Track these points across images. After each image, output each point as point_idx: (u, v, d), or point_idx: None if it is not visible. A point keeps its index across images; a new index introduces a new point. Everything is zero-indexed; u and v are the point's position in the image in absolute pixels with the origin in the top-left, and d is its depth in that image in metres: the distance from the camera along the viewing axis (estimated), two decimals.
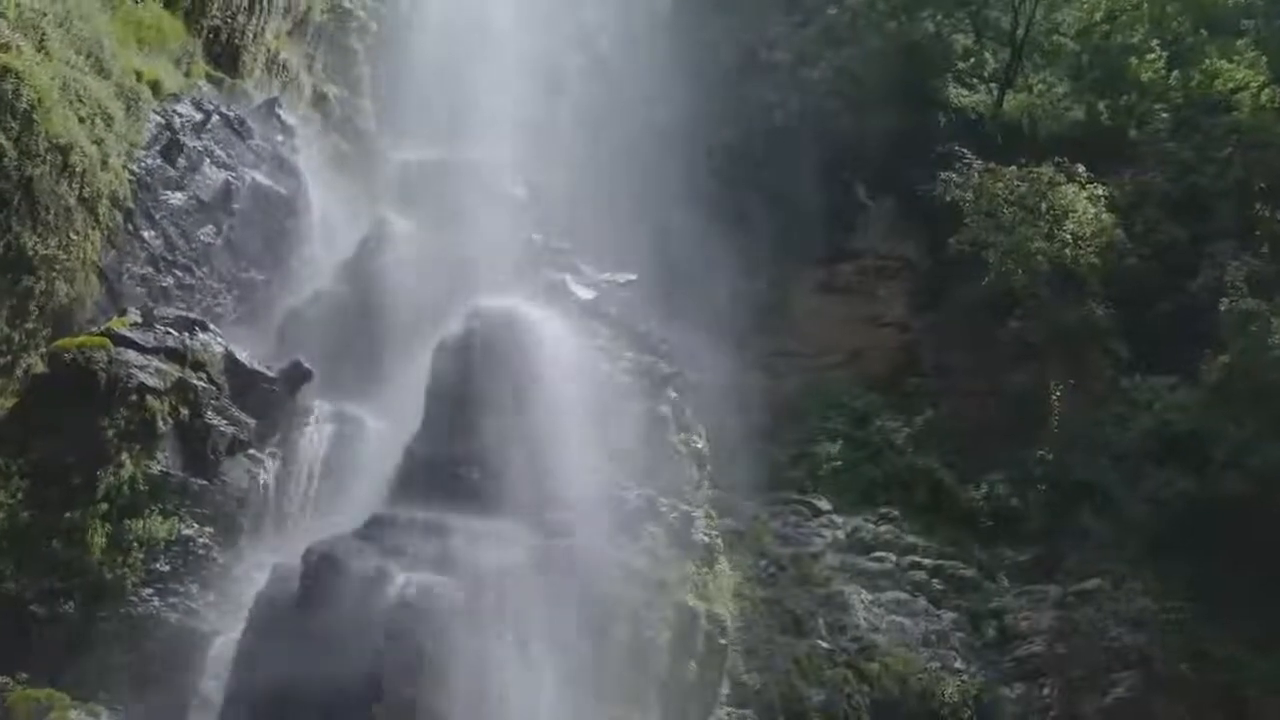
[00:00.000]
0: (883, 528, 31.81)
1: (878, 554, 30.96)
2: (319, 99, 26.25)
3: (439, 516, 17.30)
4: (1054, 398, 32.73)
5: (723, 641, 21.18)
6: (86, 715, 16.23)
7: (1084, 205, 32.59)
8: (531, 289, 21.12)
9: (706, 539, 21.62)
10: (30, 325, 18.49)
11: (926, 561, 30.82)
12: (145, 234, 20.72)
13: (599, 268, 24.89)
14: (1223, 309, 29.59)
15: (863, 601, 29.13)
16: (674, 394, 22.65)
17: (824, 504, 32.59)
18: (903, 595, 29.83)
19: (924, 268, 36.82)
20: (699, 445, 23.29)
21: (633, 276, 23.68)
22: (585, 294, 21.07)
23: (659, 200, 34.40)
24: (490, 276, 22.20)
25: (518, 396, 18.81)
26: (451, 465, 18.30)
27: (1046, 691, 27.62)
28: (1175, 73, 35.46)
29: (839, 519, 32.15)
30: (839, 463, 33.72)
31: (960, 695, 27.34)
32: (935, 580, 30.43)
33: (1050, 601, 29.47)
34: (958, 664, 28.03)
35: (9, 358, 18.22)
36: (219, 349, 19.45)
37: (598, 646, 17.69)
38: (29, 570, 16.85)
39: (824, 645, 27.18)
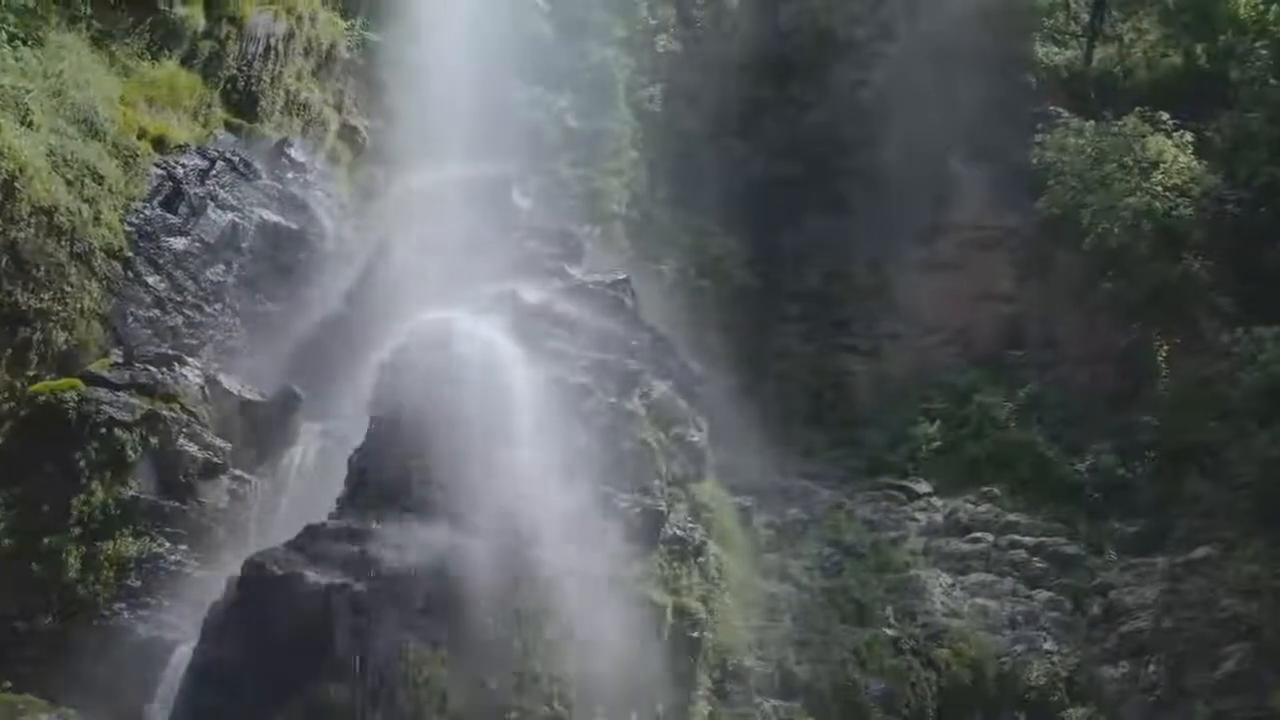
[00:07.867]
0: (982, 507, 30.97)
1: (974, 535, 30.20)
2: (348, 132, 27.42)
3: (362, 524, 18.21)
4: (1159, 359, 31.09)
5: (695, 635, 21.16)
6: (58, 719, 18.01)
7: (1173, 154, 30.71)
8: (476, 299, 21.64)
9: (682, 533, 21.61)
10: (31, 373, 20.35)
11: (1027, 540, 29.91)
12: (148, 279, 22.42)
13: (613, 270, 25.24)
14: None
15: (942, 586, 28.42)
16: (660, 387, 22.75)
17: (923, 486, 31.95)
18: (989, 577, 28.97)
19: (1028, 235, 35.39)
20: (695, 439, 23.28)
21: (622, 276, 23.85)
22: (534, 299, 21.43)
23: (742, 191, 34.57)
24: (476, 289, 22.92)
25: (451, 405, 19.42)
26: (389, 475, 19.10)
27: (1152, 669, 26.56)
28: (1275, 6, 32.76)
29: (938, 501, 31.44)
30: (939, 443, 32.92)
31: (1048, 677, 26.55)
32: (1036, 559, 29.55)
33: (1157, 574, 28.33)
34: (1047, 645, 27.20)
35: (13, 404, 20.14)
36: (196, 381, 20.96)
37: (520, 641, 18.20)
38: (11, 589, 18.64)
39: (889, 633, 26.66)
